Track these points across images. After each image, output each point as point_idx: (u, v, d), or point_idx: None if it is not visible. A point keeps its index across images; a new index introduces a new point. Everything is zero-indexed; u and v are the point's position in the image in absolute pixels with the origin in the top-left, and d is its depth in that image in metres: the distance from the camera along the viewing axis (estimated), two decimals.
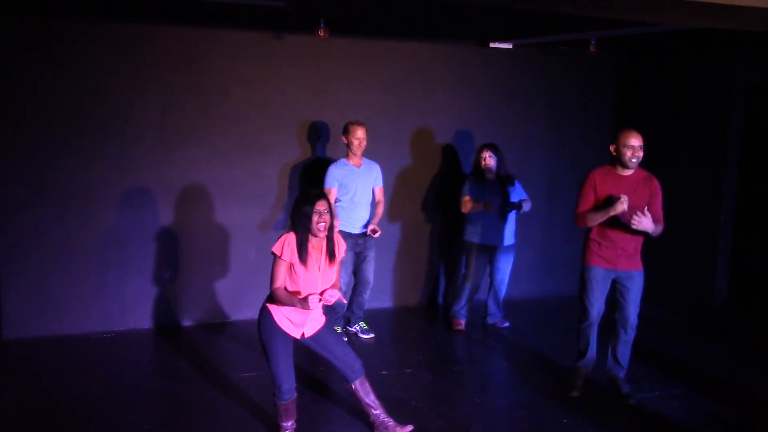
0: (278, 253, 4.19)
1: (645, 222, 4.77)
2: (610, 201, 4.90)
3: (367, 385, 4.53)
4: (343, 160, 6.27)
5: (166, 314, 6.79)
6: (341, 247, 4.40)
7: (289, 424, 4.46)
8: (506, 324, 6.96)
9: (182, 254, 6.78)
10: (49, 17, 6.11)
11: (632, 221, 4.75)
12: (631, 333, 5.24)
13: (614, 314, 5.26)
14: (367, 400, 4.52)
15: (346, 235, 6.03)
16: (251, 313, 7.05)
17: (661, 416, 5.07)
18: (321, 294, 4.19)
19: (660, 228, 5.00)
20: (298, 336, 4.34)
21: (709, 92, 7.15)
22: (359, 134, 6.16)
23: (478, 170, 6.60)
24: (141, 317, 6.71)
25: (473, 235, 6.66)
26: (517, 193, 6.69)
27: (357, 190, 6.22)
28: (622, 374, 5.37)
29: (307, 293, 4.16)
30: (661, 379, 5.75)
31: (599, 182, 5.03)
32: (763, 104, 6.97)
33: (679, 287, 7.53)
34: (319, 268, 4.25)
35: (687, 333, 7.02)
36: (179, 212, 6.72)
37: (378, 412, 4.56)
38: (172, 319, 6.81)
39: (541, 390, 5.46)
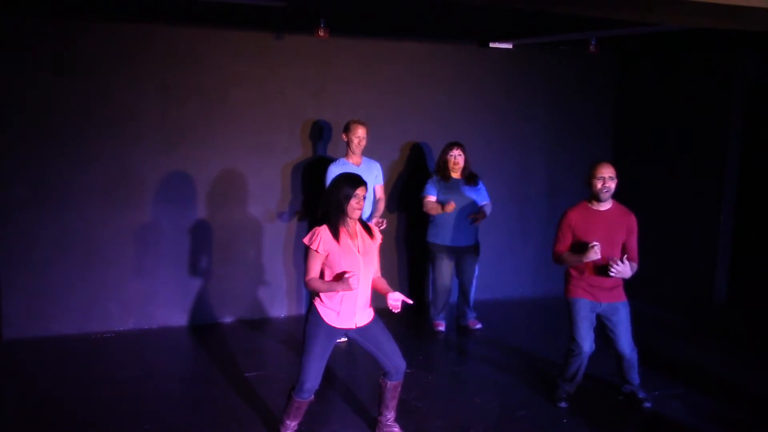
0: (310, 245, 4.19)
1: (623, 270, 4.76)
2: (584, 248, 4.82)
3: (398, 389, 4.55)
4: (342, 159, 6.26)
5: (166, 314, 6.79)
6: (377, 232, 4.43)
7: (293, 424, 4.46)
8: (478, 326, 6.91)
9: (182, 254, 6.78)
10: (49, 17, 6.11)
11: (611, 271, 4.74)
12: (632, 359, 5.15)
13: (610, 346, 5.17)
14: (388, 402, 4.55)
15: None
16: (251, 314, 7.08)
17: (661, 416, 5.07)
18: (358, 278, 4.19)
19: (635, 267, 4.91)
20: (352, 326, 4.32)
21: (710, 92, 7.15)
22: (360, 133, 6.16)
23: (444, 168, 6.60)
24: (141, 317, 6.71)
25: (435, 236, 6.66)
26: (480, 194, 6.67)
27: None
28: (634, 387, 5.29)
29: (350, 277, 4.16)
30: (661, 379, 5.75)
31: (575, 221, 4.96)
32: (763, 104, 6.97)
33: (679, 287, 7.53)
34: (359, 251, 4.25)
35: (687, 333, 7.02)
36: (179, 212, 6.72)
37: (390, 415, 4.59)
38: (172, 319, 6.81)
39: (541, 390, 5.46)
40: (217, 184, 6.81)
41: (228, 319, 6.99)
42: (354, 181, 4.22)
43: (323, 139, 7.10)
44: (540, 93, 7.91)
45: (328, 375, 5.65)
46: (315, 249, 4.17)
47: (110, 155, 6.45)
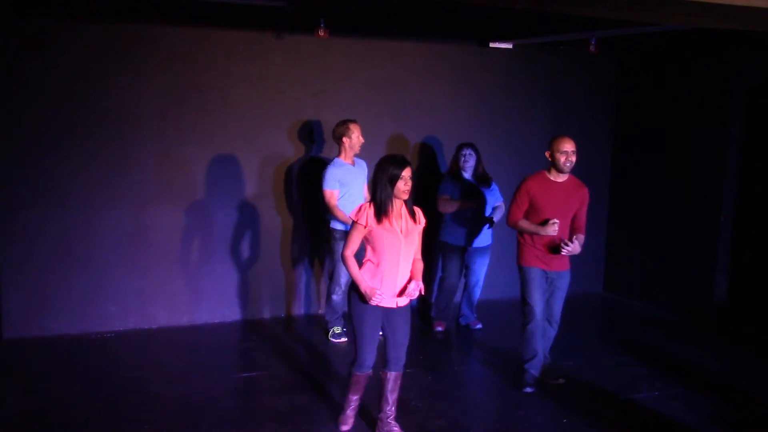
0: (356, 219, 4.35)
1: (574, 249, 5.16)
2: (545, 222, 5.18)
3: (398, 383, 4.63)
4: (338, 160, 6.25)
5: (166, 314, 6.78)
6: (421, 215, 4.54)
7: (355, 398, 4.68)
8: (479, 326, 6.92)
9: (182, 254, 6.79)
10: (49, 17, 6.11)
11: (563, 251, 5.15)
12: (556, 327, 5.53)
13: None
14: (388, 395, 4.61)
15: (344, 234, 6.05)
16: (252, 313, 7.08)
17: (661, 416, 5.07)
18: (402, 290, 4.41)
19: (583, 239, 5.29)
20: (393, 305, 4.44)
21: (710, 92, 7.15)
22: (358, 131, 6.20)
23: (456, 169, 6.63)
24: (141, 317, 6.71)
25: (449, 236, 6.68)
26: (493, 195, 6.68)
27: (354, 188, 6.23)
28: (548, 361, 5.61)
29: (391, 260, 4.34)
30: (661, 379, 5.75)
31: (533, 188, 5.25)
32: (763, 104, 6.97)
33: (679, 287, 7.53)
34: (401, 231, 4.37)
35: (687, 333, 7.02)
36: (179, 212, 6.72)
37: (390, 410, 4.63)
38: (172, 319, 6.81)
39: (540, 390, 5.46)
40: (217, 183, 6.81)
41: (228, 319, 6.99)
42: (399, 162, 4.32)
43: (321, 140, 7.10)
44: (540, 93, 7.91)
45: (327, 376, 5.66)
46: (362, 223, 4.32)
47: (110, 155, 6.45)
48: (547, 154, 5.26)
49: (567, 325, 6.98)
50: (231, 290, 6.99)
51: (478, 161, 6.62)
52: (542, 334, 5.45)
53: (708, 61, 7.16)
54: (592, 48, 6.83)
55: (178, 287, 6.81)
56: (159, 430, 4.68)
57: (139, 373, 5.66)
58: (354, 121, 6.22)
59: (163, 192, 6.65)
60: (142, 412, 4.94)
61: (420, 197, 7.48)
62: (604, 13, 4.52)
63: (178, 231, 6.75)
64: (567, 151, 5.15)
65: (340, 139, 6.20)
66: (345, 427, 4.70)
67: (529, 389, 5.39)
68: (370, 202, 4.38)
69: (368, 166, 6.49)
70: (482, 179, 6.63)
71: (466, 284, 6.88)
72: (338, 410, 5.02)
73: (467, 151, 6.57)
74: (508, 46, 7.55)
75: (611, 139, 8.30)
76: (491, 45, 7.48)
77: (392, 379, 4.58)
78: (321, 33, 6.31)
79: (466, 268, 6.78)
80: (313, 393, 5.32)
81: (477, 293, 6.91)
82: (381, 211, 4.31)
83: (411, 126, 7.43)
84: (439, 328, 6.84)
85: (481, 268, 6.77)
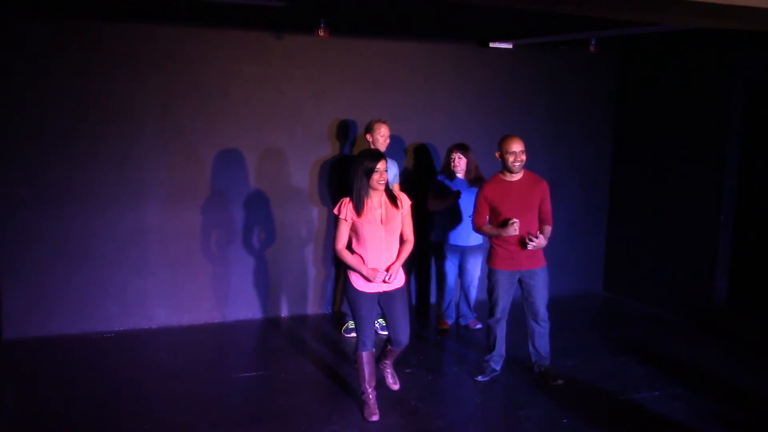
0: (338, 214, 4.66)
1: (540, 243, 5.26)
2: (506, 223, 5.26)
3: (397, 354, 5.08)
4: None
5: (165, 314, 6.79)
6: (404, 199, 4.75)
7: (371, 388, 4.85)
8: (479, 326, 6.92)
9: (182, 253, 6.78)
10: (48, 17, 6.11)
11: (528, 245, 5.24)
12: (544, 325, 5.59)
13: (525, 310, 5.61)
14: (387, 358, 5.15)
15: None
16: (252, 313, 7.08)
17: (661, 416, 5.07)
18: (387, 270, 4.72)
19: (550, 230, 5.40)
20: (380, 290, 4.75)
21: (709, 92, 7.15)
22: (383, 131, 6.20)
23: (448, 170, 6.64)
24: (141, 317, 6.71)
25: (439, 235, 6.71)
26: None
27: None
28: (546, 362, 5.66)
29: (374, 249, 4.65)
30: (661, 379, 5.75)
31: (489, 192, 5.37)
32: (763, 104, 6.97)
33: (679, 287, 7.53)
34: (382, 221, 4.66)
35: (687, 333, 7.02)
36: (179, 212, 6.72)
37: (386, 364, 5.19)
38: (172, 319, 6.81)
39: (540, 390, 5.47)
40: (216, 183, 6.81)
41: (229, 319, 6.99)
42: (374, 156, 4.58)
43: (328, 138, 7.11)
44: (540, 93, 7.91)
45: (328, 376, 5.66)
46: (342, 217, 4.63)
47: (110, 155, 6.45)
48: (497, 155, 5.36)
49: (567, 325, 7.01)
50: (231, 290, 6.99)
51: (470, 162, 6.61)
52: (504, 331, 5.62)
53: (708, 61, 7.16)
54: (592, 48, 6.83)
55: (178, 287, 6.81)
56: (159, 430, 4.69)
57: (139, 373, 5.66)
58: (382, 121, 6.25)
59: (163, 191, 6.65)
60: (142, 411, 4.95)
61: (418, 197, 7.49)
62: (603, 13, 4.52)
63: (178, 230, 6.75)
64: (515, 151, 5.26)
65: (368, 137, 6.24)
66: (374, 418, 4.81)
67: (480, 378, 5.61)
68: (349, 196, 4.60)
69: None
70: (473, 182, 6.61)
71: (461, 284, 6.90)
72: (339, 410, 5.03)
73: (456, 155, 6.56)
74: (508, 46, 7.55)
75: (611, 139, 8.30)
76: (491, 45, 7.48)
77: (395, 353, 5.04)
78: (321, 33, 6.31)
79: (460, 268, 6.79)
80: (313, 393, 5.32)
81: (473, 293, 6.91)
82: (359, 203, 4.56)
83: (410, 126, 7.43)
84: (444, 327, 6.85)
85: (474, 268, 6.77)
